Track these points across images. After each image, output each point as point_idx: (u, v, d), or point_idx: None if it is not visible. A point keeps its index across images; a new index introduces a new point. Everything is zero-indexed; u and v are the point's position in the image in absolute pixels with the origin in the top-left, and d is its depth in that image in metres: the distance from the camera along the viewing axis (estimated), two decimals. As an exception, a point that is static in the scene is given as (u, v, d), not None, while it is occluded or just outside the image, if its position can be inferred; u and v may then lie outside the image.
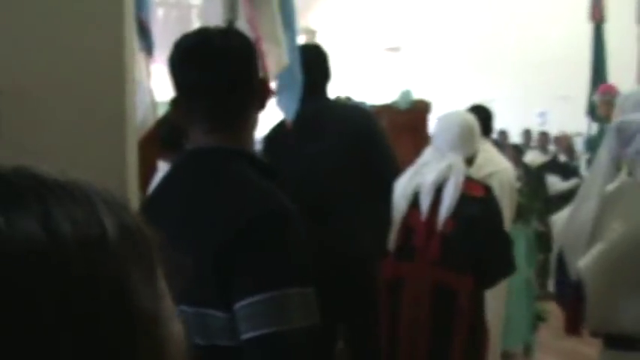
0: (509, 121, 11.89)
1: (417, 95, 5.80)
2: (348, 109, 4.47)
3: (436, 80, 16.44)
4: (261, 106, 2.00)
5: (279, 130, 4.31)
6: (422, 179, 3.87)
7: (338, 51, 18.68)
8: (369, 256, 3.99)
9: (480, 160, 4.31)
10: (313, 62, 4.36)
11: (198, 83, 1.93)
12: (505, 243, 3.93)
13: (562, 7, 13.08)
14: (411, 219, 3.87)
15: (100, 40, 2.64)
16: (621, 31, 9.11)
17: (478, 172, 4.36)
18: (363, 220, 3.98)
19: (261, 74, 2.18)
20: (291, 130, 4.11)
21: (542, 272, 7.40)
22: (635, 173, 2.88)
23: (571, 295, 2.96)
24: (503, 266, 3.95)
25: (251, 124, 2.00)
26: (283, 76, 4.28)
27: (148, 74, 4.32)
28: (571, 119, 11.07)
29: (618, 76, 8.90)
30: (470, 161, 4.01)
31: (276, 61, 3.99)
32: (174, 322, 0.67)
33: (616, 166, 2.91)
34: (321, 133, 4.09)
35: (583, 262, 2.82)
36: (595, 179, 2.90)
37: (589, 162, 7.41)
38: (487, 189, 3.97)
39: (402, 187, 3.91)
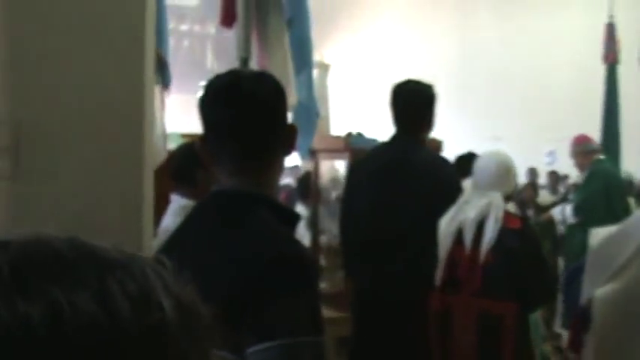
0: (517, 160, 11.86)
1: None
2: (436, 158, 4.70)
3: (447, 117, 16.45)
4: (288, 151, 2.02)
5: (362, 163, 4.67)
6: (464, 216, 4.17)
7: (352, 85, 18.82)
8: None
9: None
10: (415, 102, 4.66)
11: (227, 124, 1.94)
12: (544, 270, 4.32)
13: (574, 47, 13.14)
14: (455, 254, 4.17)
15: (121, 78, 2.65)
16: (633, 72, 9.12)
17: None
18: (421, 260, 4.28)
19: None
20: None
21: (549, 313, 7.37)
22: None
23: (577, 316, 2.95)
24: (544, 292, 4.35)
25: (277, 168, 2.02)
26: (298, 113, 4.33)
27: (162, 107, 4.36)
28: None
29: (630, 117, 8.92)
30: (508, 197, 4.36)
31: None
32: None
33: None
34: (408, 175, 4.40)
35: (599, 293, 2.80)
36: None
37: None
38: (523, 221, 4.39)
39: (446, 225, 4.21)
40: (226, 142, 1.95)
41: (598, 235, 3.06)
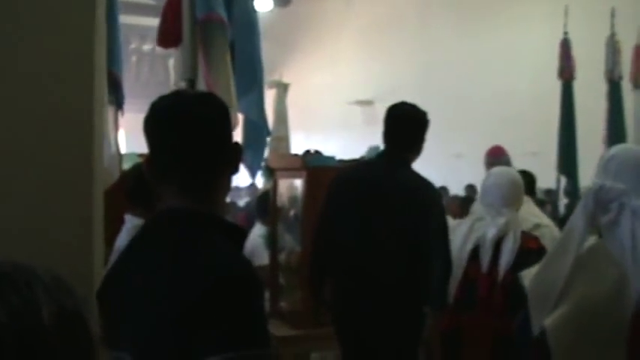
0: (477, 176, 11.94)
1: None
2: (422, 179, 4.55)
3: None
4: (234, 170, 2.04)
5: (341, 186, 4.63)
6: (480, 234, 4.18)
7: (310, 104, 18.87)
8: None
9: (521, 213, 4.51)
10: (396, 123, 4.70)
11: (170, 146, 1.96)
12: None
13: (533, 64, 13.26)
14: (471, 272, 4.17)
15: (70, 99, 2.67)
16: (589, 88, 9.24)
17: (523, 224, 4.53)
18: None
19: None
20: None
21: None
22: (605, 239, 2.90)
23: (534, 350, 2.96)
24: None
25: (222, 187, 2.05)
26: (249, 132, 4.37)
27: (116, 127, 4.37)
28: (540, 175, 11.17)
29: (586, 131, 9.02)
30: None
31: None
32: None
33: (591, 227, 2.92)
34: (394, 193, 4.43)
35: (549, 321, 2.83)
36: (569, 238, 2.90)
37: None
38: (538, 240, 4.27)
39: (460, 243, 4.22)
40: (171, 163, 1.97)
41: (530, 274, 3.10)
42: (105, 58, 2.93)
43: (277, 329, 5.39)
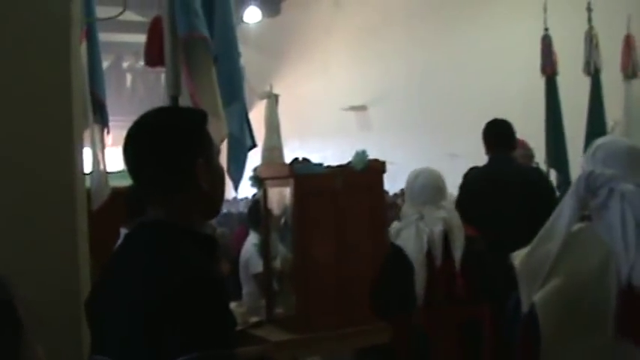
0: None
1: (379, 155, 5.93)
2: (529, 169, 6.74)
3: (403, 136, 16.64)
4: (200, 184, 2.12)
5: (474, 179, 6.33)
6: (429, 231, 4.41)
7: (304, 112, 18.95)
8: None
9: None
10: (499, 133, 6.34)
11: (129, 162, 2.09)
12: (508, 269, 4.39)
13: (517, 62, 13.35)
14: (429, 269, 4.39)
15: (50, 119, 2.78)
16: (573, 83, 9.32)
17: None
18: None
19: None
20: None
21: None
22: (594, 223, 3.03)
23: (523, 329, 3.05)
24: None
25: (191, 200, 2.13)
26: (231, 145, 4.47)
27: (103, 146, 4.49)
28: (530, 169, 11.25)
29: (573, 125, 9.09)
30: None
31: (216, 133, 4.15)
32: None
33: (580, 212, 3.04)
34: (509, 185, 5.88)
35: (538, 296, 2.94)
36: (558, 221, 3.02)
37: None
38: (473, 227, 4.65)
39: (412, 243, 4.45)
40: (135, 179, 2.11)
41: (519, 255, 3.20)
42: (83, 80, 3.04)
43: (273, 334, 5.49)
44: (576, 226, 3.04)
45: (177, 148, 2.11)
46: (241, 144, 4.62)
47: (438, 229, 4.42)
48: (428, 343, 4.43)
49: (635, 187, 2.94)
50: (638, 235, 2.88)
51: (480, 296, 4.40)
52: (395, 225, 4.67)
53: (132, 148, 2.11)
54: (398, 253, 4.49)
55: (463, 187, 6.28)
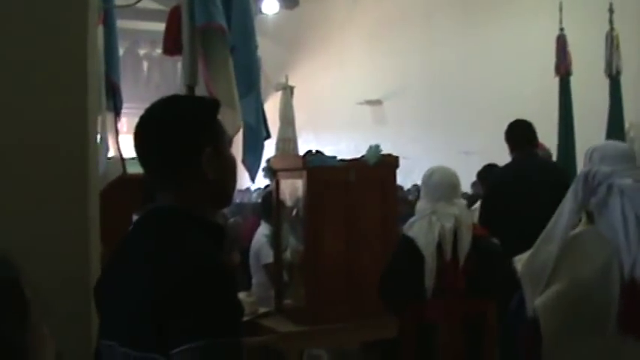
0: (486, 172, 11.98)
1: (393, 150, 5.94)
2: (550, 164, 7.15)
3: (417, 133, 16.62)
4: (207, 173, 2.12)
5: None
6: (440, 226, 4.56)
7: (320, 105, 18.95)
8: None
9: None
10: (523, 133, 6.66)
11: (138, 148, 2.11)
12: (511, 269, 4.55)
13: (533, 62, 13.30)
14: (440, 260, 4.53)
15: (64, 102, 2.80)
16: (588, 84, 9.28)
17: None
18: None
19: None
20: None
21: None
22: (596, 222, 3.04)
23: (527, 331, 3.07)
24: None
25: (199, 188, 2.13)
26: (247, 136, 4.50)
27: (115, 131, 4.51)
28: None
29: (589, 126, 9.05)
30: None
31: (231, 124, 4.18)
32: (45, 347, 0.91)
33: (580, 213, 3.06)
34: (533, 179, 6.24)
35: (540, 300, 2.96)
36: (558, 223, 3.04)
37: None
38: (482, 228, 4.95)
39: (424, 236, 4.57)
40: (143, 165, 2.13)
41: (522, 258, 3.22)
42: (99, 64, 3.05)
43: (282, 325, 5.51)
44: (579, 229, 3.06)
45: (183, 135, 2.12)
46: (257, 135, 4.65)
47: (449, 224, 4.56)
48: (435, 334, 4.56)
49: (634, 182, 2.97)
50: (638, 230, 2.90)
51: (482, 294, 4.57)
52: (410, 219, 4.78)
53: (141, 135, 2.13)
54: (410, 243, 4.60)
55: (490, 186, 6.64)
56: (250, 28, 4.73)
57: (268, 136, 5.02)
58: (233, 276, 1.99)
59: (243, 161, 4.70)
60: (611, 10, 9.03)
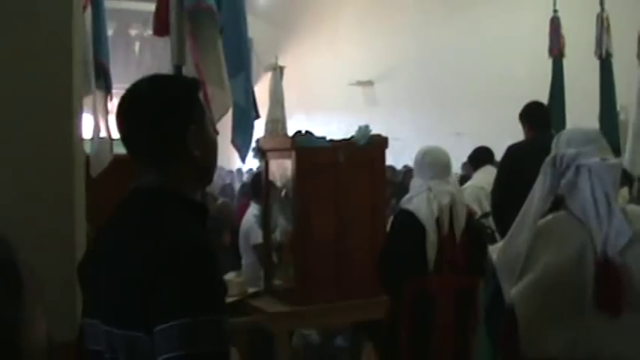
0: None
1: (385, 131, 5.95)
2: None
3: (409, 114, 16.63)
4: (193, 152, 2.12)
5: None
6: (437, 202, 4.69)
7: (311, 85, 18.94)
8: None
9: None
10: (539, 113, 6.62)
11: (120, 129, 2.11)
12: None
13: (527, 43, 13.29)
14: (439, 234, 4.68)
15: (50, 84, 2.79)
16: (580, 66, 9.27)
17: None
18: None
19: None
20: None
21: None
22: (567, 204, 3.05)
23: (505, 319, 3.09)
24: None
25: (184, 167, 2.13)
26: (237, 116, 4.50)
27: (106, 112, 4.50)
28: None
29: (580, 108, 9.04)
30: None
31: (220, 104, 4.17)
32: (37, 326, 0.92)
33: (550, 198, 3.07)
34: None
35: (515, 289, 2.98)
36: (529, 210, 3.06)
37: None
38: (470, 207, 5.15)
39: (425, 211, 4.69)
40: (126, 144, 2.12)
41: (495, 249, 3.24)
42: (86, 46, 3.04)
43: (271, 306, 5.53)
44: (551, 215, 3.08)
45: (167, 114, 2.11)
46: (247, 115, 4.66)
47: (446, 200, 4.70)
48: (433, 309, 4.65)
49: (601, 160, 2.98)
50: (608, 207, 2.92)
51: (475, 268, 4.68)
52: (406, 195, 4.92)
53: (123, 115, 2.12)
54: (411, 216, 4.70)
55: (507, 163, 6.31)
56: (240, 8, 4.72)
57: (258, 116, 5.01)
58: (216, 254, 1.99)
59: (233, 141, 4.70)
60: (602, -8, 9.00)
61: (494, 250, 3.25)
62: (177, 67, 4.11)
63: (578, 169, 2.99)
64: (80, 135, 3.02)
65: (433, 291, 4.65)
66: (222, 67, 4.35)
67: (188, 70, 4.19)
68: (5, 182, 2.84)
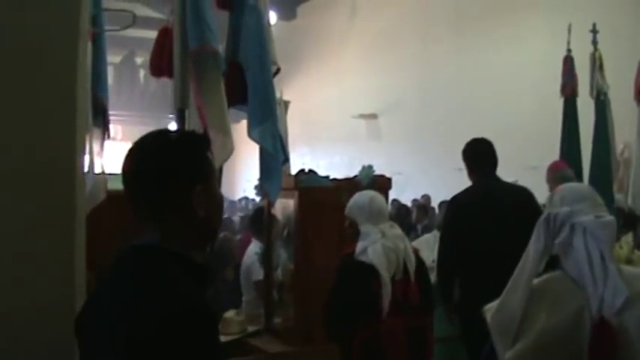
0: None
1: (387, 164, 5.95)
2: (514, 188, 6.28)
3: (410, 150, 16.64)
4: (201, 208, 2.09)
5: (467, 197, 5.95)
6: (394, 247, 4.71)
7: (315, 119, 18.95)
8: None
9: None
10: (487, 152, 6.10)
11: (127, 183, 2.08)
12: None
13: (530, 79, 13.32)
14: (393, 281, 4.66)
15: (53, 123, 2.77)
16: (591, 105, 9.17)
17: None
18: None
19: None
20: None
21: None
22: (562, 263, 3.01)
23: None
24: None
25: (185, 226, 2.09)
26: (265, 161, 4.54)
27: (101, 149, 4.49)
28: (541, 189, 11.18)
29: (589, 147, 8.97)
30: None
31: (222, 148, 4.15)
32: None
33: (544, 258, 3.03)
34: (498, 203, 5.76)
35: (510, 354, 2.93)
36: (524, 271, 3.02)
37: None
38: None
39: (384, 256, 4.66)
40: (130, 199, 2.09)
41: (491, 308, 3.20)
42: (86, 86, 3.02)
43: (269, 345, 5.48)
44: (546, 275, 3.03)
45: (171, 177, 2.09)
46: (275, 160, 4.71)
47: (402, 245, 4.75)
48: (386, 349, 4.62)
49: (595, 218, 2.95)
50: (604, 266, 2.88)
51: (427, 305, 4.84)
52: (360, 245, 4.77)
53: (131, 167, 2.09)
54: (367, 268, 4.61)
55: (451, 210, 6.05)
56: (266, 52, 4.71)
57: (287, 159, 5.07)
58: (213, 317, 1.94)
59: (261, 185, 4.88)
60: (594, 31, 8.97)
61: (488, 311, 3.21)
62: (180, 111, 4.09)
63: (572, 227, 2.96)
64: (83, 175, 3.01)
65: (387, 334, 4.61)
66: (224, 110, 4.34)
67: (191, 114, 4.18)
68: (5, 221, 2.82)
